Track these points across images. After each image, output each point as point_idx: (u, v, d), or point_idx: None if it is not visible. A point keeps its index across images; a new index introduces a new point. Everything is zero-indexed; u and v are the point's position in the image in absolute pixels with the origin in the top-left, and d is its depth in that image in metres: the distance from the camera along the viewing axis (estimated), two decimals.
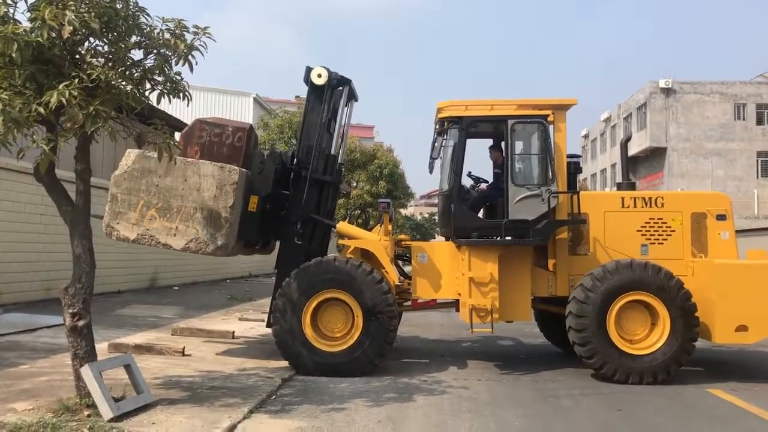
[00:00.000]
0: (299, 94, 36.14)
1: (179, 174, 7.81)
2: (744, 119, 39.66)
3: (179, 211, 7.77)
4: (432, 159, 9.01)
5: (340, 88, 9.02)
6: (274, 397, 6.75)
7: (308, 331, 7.89)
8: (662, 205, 8.54)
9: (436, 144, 8.90)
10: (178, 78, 5.88)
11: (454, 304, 9.01)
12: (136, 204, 7.80)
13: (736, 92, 39.81)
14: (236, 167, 7.92)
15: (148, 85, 5.83)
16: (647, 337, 7.84)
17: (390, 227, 8.82)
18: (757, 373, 8.61)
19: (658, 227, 8.51)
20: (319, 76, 8.68)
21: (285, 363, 8.00)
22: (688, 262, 8.33)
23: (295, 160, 8.71)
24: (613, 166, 47.47)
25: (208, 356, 8.65)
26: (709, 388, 7.52)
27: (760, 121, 39.64)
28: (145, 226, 7.78)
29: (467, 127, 8.55)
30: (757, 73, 42.77)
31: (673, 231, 8.48)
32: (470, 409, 6.48)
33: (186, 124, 21.15)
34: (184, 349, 8.65)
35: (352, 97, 9.39)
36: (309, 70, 8.77)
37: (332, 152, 9.10)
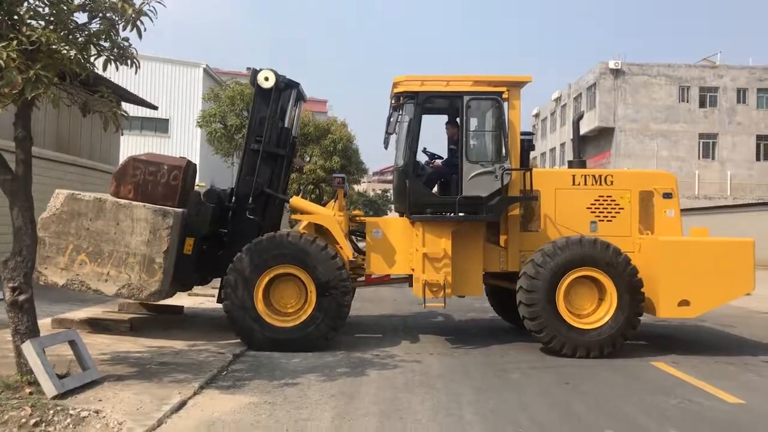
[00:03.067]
0: (251, 65, 35.43)
1: (111, 217, 7.62)
2: (688, 102, 40.81)
3: (111, 256, 7.60)
4: (387, 134, 8.94)
5: (288, 90, 8.84)
6: (225, 372, 6.67)
7: (260, 306, 7.80)
8: (611, 183, 8.72)
9: (391, 119, 8.83)
10: (126, 44, 5.64)
11: (408, 280, 9.05)
12: (65, 248, 7.57)
13: (681, 75, 40.87)
14: (171, 209, 7.74)
15: (93, 51, 5.57)
16: (595, 311, 8.03)
17: (344, 202, 8.76)
18: (696, 346, 8.94)
19: (607, 205, 8.68)
20: (266, 79, 8.49)
21: (236, 339, 7.91)
22: (635, 239, 8.55)
23: (245, 140, 8.52)
24: (563, 145, 48.36)
25: (156, 332, 8.47)
26: (652, 361, 7.77)
27: (702, 103, 40.85)
28: (75, 272, 7.58)
29: (423, 102, 8.50)
30: (702, 57, 43.98)
31: (622, 209, 8.67)
32: (423, 383, 6.54)
33: (133, 94, 20.50)
34: (132, 324, 8.45)
35: (301, 98, 9.26)
36: (255, 72, 8.57)
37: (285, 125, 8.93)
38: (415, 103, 8.48)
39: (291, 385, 6.22)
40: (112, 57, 5.59)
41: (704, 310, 8.13)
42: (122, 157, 25.87)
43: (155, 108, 23.23)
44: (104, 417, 4.78)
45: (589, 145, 44.09)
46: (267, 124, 8.50)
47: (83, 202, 7.64)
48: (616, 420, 5.44)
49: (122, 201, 7.77)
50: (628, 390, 6.45)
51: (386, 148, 9.18)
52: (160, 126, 38.32)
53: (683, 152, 40.36)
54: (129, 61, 5.68)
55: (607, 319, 7.89)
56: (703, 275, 7.85)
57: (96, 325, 8.37)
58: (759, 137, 40.37)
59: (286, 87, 8.75)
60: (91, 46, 5.50)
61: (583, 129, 42.25)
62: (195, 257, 8.15)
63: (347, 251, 8.38)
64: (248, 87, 24.35)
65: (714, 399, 6.15)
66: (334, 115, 33.52)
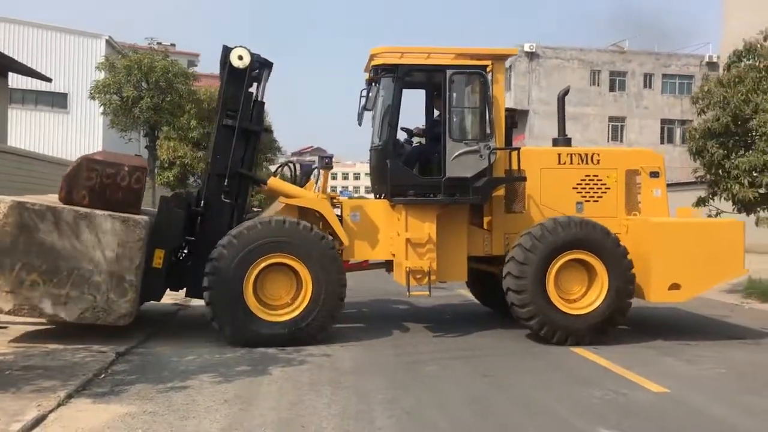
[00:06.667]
0: (151, 36, 32.86)
1: (69, 230, 6.50)
2: (598, 85, 42.17)
3: (70, 275, 6.51)
4: (364, 110, 8.26)
5: (262, 70, 7.96)
6: (103, 375, 5.83)
7: (249, 298, 7.09)
8: (598, 162, 8.42)
9: (370, 94, 8.14)
10: None
11: (386, 265, 8.49)
12: (10, 267, 6.40)
13: (592, 59, 42.08)
14: (140, 219, 6.76)
15: None
16: (584, 296, 7.73)
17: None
18: (619, 332, 8.31)
19: (594, 184, 8.38)
20: (240, 58, 7.57)
21: (125, 334, 7.08)
22: (622, 219, 8.30)
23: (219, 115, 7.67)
24: None
25: (32, 327, 7.29)
26: (573, 348, 7.41)
27: (612, 87, 42.32)
28: (24, 294, 6.43)
29: (403, 75, 7.87)
30: (611, 42, 45.51)
31: (608, 188, 8.39)
32: (331, 380, 5.95)
33: (20, 63, 18.25)
34: None
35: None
36: (228, 50, 7.61)
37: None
38: (395, 76, 7.84)
39: (179, 389, 5.48)
40: None
41: (695, 294, 7.99)
42: (11, 132, 23.61)
43: (48, 80, 20.99)
44: None
45: None
46: (242, 101, 7.65)
47: (33, 211, 6.47)
48: (542, 417, 5.07)
49: (82, 210, 6.66)
50: (551, 381, 6.09)
51: (360, 124, 8.52)
52: (58, 101, 35.37)
53: (594, 134, 41.63)
54: None
55: (598, 303, 7.58)
56: (694, 257, 7.68)
57: None
58: (663, 121, 42.36)
59: (260, 67, 7.86)
60: None
61: None
62: (165, 270, 7.21)
63: (343, 237, 7.72)
64: (146, 56, 22.50)
65: (638, 388, 5.88)
66: None
